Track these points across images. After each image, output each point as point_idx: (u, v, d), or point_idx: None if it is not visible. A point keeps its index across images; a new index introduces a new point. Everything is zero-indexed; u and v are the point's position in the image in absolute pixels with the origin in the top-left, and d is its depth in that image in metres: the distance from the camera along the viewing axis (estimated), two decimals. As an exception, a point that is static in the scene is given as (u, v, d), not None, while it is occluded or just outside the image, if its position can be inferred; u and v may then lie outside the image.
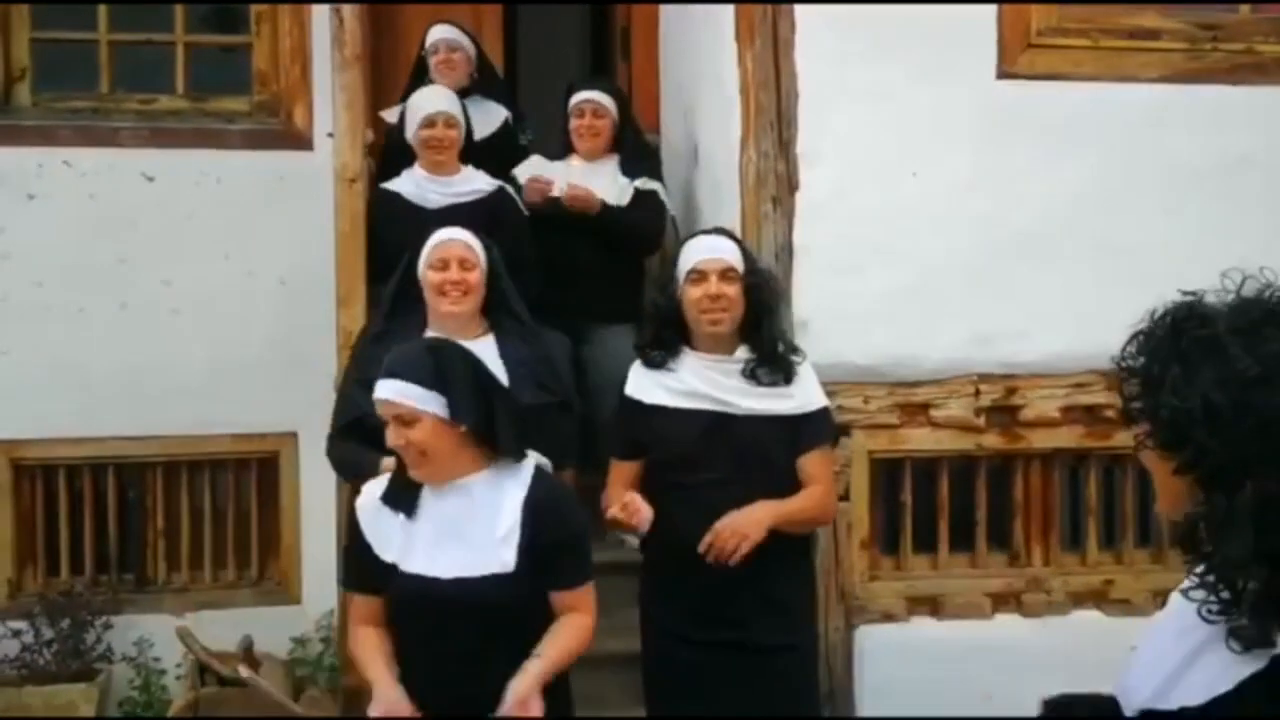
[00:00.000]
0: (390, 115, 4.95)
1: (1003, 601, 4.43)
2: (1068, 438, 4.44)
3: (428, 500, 2.78)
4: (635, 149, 4.89)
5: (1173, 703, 1.67)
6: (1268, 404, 1.61)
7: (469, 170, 4.50)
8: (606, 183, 4.74)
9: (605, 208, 4.69)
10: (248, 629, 5.00)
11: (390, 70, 5.29)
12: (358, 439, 3.43)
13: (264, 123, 5.40)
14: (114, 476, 5.34)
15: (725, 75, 4.39)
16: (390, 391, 2.70)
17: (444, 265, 3.51)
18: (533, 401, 3.44)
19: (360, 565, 2.82)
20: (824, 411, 3.42)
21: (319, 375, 5.17)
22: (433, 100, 4.51)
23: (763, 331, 3.37)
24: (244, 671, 4.80)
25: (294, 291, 5.27)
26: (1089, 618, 4.45)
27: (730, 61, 4.34)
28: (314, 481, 5.19)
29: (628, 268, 4.78)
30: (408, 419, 2.69)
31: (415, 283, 3.57)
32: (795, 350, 3.40)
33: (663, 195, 4.82)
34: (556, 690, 2.80)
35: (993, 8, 4.32)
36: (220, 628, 5.09)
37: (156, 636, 5.14)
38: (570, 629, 2.79)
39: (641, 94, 5.34)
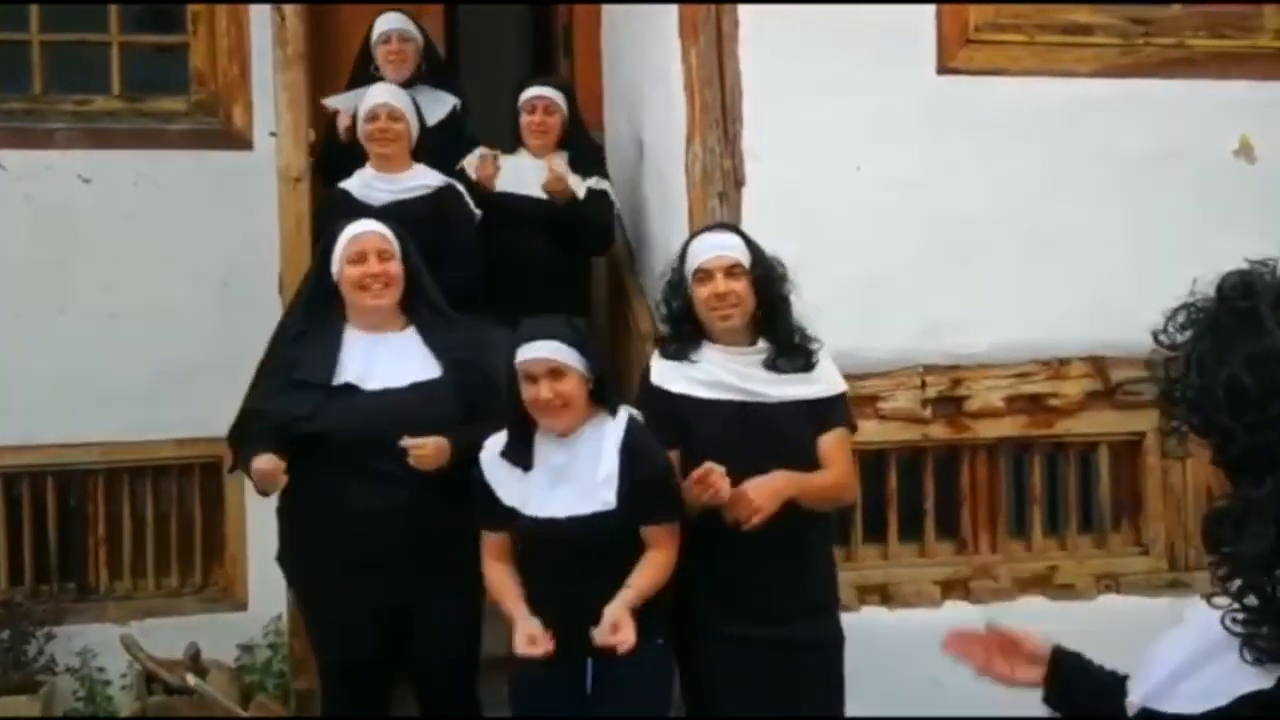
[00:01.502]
0: (334, 102, 4.91)
1: (951, 589, 4.49)
2: (1011, 427, 4.51)
3: (540, 452, 3.21)
4: (584, 146, 4.90)
5: (1168, 706, 1.56)
6: None
7: (419, 168, 4.48)
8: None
9: (573, 201, 4.69)
10: (193, 636, 4.93)
11: (331, 68, 5.24)
12: (272, 440, 3.40)
13: (203, 122, 5.33)
14: (53, 484, 5.25)
15: (670, 72, 4.40)
16: (549, 350, 3.14)
17: (361, 258, 3.48)
18: (472, 384, 3.46)
19: (488, 508, 3.24)
20: (844, 395, 3.45)
21: None
22: (376, 94, 4.49)
23: (778, 323, 3.37)
24: (191, 680, 4.75)
25: (237, 293, 5.19)
26: (1035, 603, 4.51)
27: (674, 58, 4.36)
28: (259, 486, 5.25)
29: (579, 265, 4.79)
30: (561, 372, 3.13)
31: (329, 279, 3.53)
32: (811, 338, 3.41)
33: (612, 195, 4.84)
34: (649, 617, 3.14)
35: (931, 6, 4.38)
36: (165, 636, 5.00)
37: (100, 646, 5.06)
38: (655, 563, 3.19)
39: (584, 91, 5.33)
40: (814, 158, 4.28)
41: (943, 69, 4.38)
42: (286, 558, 3.66)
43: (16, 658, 4.91)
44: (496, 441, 3.27)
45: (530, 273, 4.62)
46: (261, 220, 5.07)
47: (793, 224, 4.23)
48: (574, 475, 3.19)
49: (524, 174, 4.72)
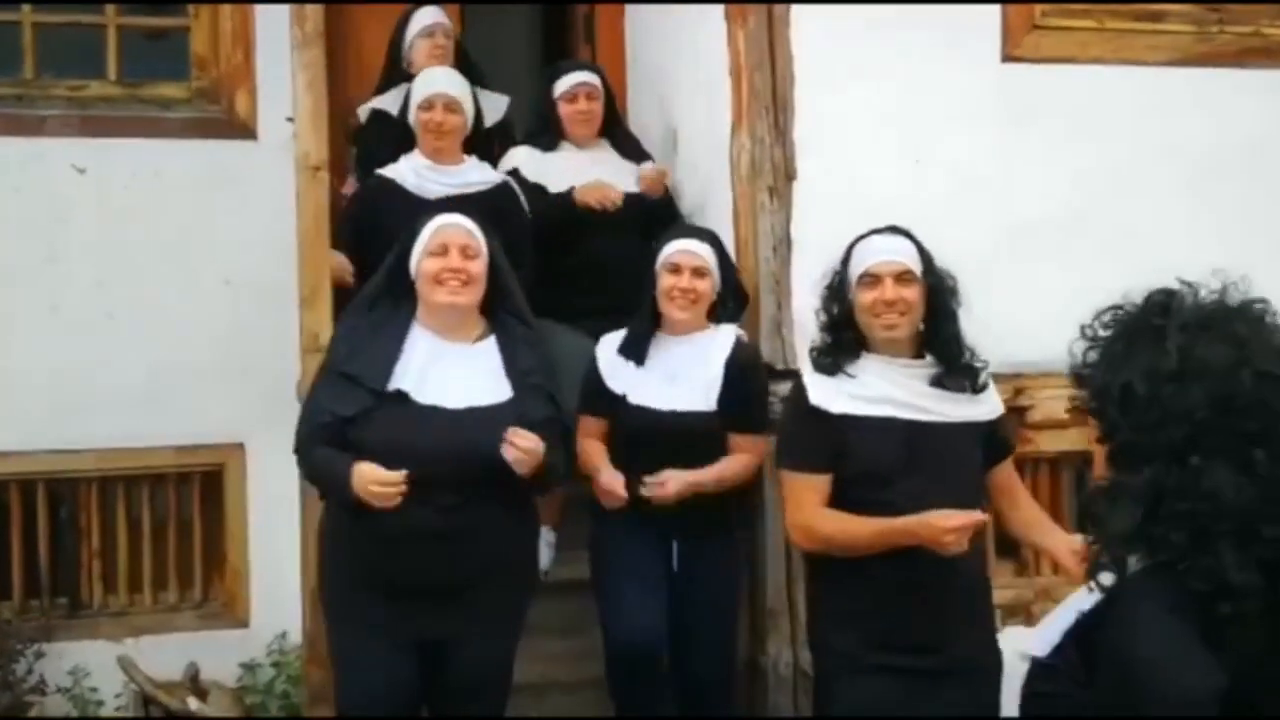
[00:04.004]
0: (380, 104, 4.65)
1: (1012, 613, 4.22)
2: (1076, 439, 4.23)
3: (655, 351, 3.65)
4: (623, 133, 4.66)
5: (1038, 651, 1.84)
6: (1173, 401, 1.68)
7: (472, 160, 4.21)
8: (613, 170, 4.46)
9: (631, 197, 4.39)
10: (192, 655, 4.76)
11: (338, 60, 4.96)
12: (324, 442, 3.16)
13: (204, 110, 5.09)
14: (44, 493, 4.99)
15: (711, 57, 4.17)
16: (700, 249, 3.63)
17: (443, 251, 3.20)
18: (544, 416, 3.20)
19: (595, 395, 3.68)
20: (1005, 418, 3.22)
21: (269, 382, 4.91)
22: (433, 81, 4.22)
23: (945, 337, 3.11)
24: (192, 703, 4.54)
25: (240, 292, 4.98)
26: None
27: (717, 43, 4.12)
28: (262, 495, 5.02)
29: (647, 260, 4.49)
30: (703, 273, 3.61)
31: (405, 276, 3.25)
32: (976, 356, 3.16)
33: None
34: (727, 513, 3.72)
35: (997, -9, 4.17)
36: (163, 654, 4.82)
37: (93, 665, 4.82)
38: (738, 462, 3.66)
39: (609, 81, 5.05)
40: (870, 150, 4.05)
41: (1007, 57, 4.17)
42: (321, 579, 3.39)
43: (4, 678, 4.67)
44: (613, 337, 3.71)
45: (605, 274, 4.30)
46: (266, 214, 4.90)
47: (846, 221, 3.92)
48: (684, 375, 3.63)
49: (579, 169, 4.42)
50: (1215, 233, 4.20)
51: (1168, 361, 1.69)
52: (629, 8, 5.36)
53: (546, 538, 4.20)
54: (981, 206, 4.12)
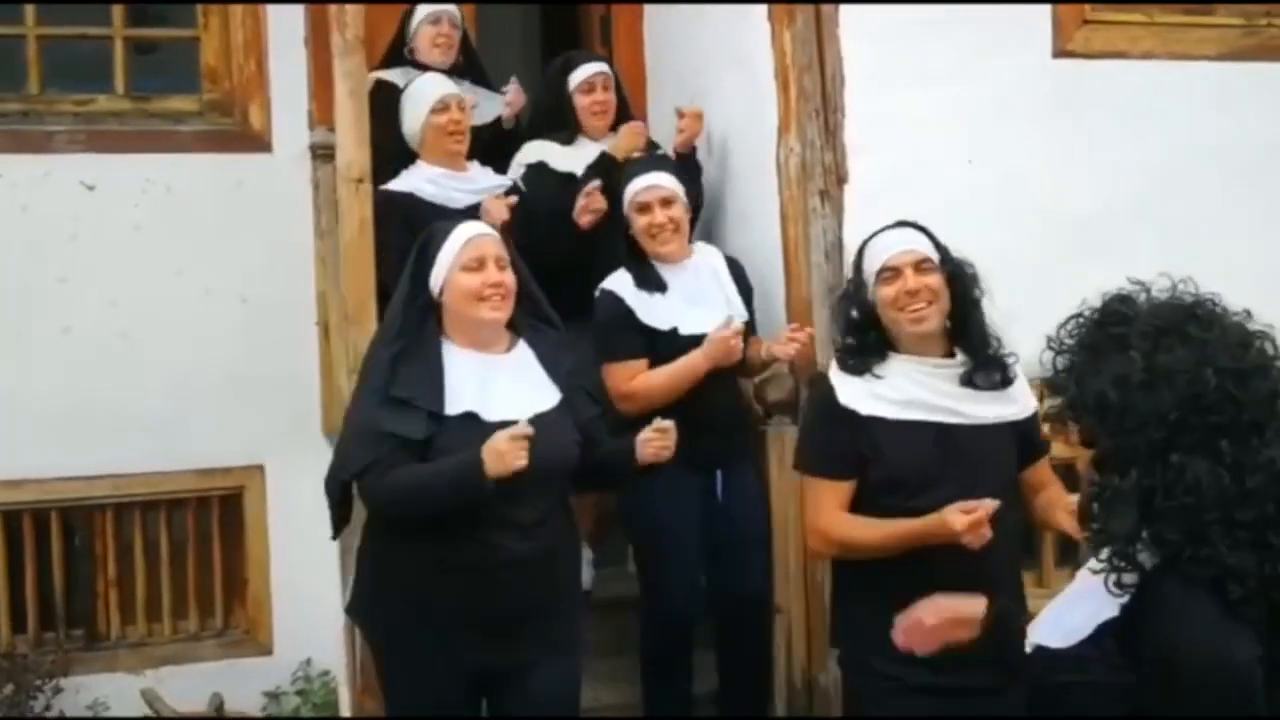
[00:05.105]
0: (380, 74, 4.53)
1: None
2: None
3: (668, 278, 3.78)
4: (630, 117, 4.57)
5: (1052, 642, 1.94)
6: (1147, 406, 1.79)
7: (476, 165, 4.10)
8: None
9: None
10: (215, 685, 4.67)
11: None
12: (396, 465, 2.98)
13: (216, 123, 4.95)
14: (58, 521, 4.83)
15: (754, 58, 4.06)
16: (661, 179, 3.76)
17: (479, 265, 3.01)
18: (592, 414, 3.12)
19: (627, 336, 3.74)
20: (1037, 414, 3.07)
21: (289, 402, 4.81)
22: (439, 84, 4.10)
23: (971, 328, 2.99)
24: (219, 735, 4.38)
25: (258, 310, 4.85)
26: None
27: (761, 44, 4.00)
28: (283, 518, 4.90)
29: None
30: (670, 200, 3.78)
31: (424, 290, 3.08)
32: (1007, 349, 3.03)
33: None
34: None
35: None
36: (184, 685, 4.71)
37: (113, 699, 4.70)
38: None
39: (628, 82, 4.93)
40: (922, 151, 3.95)
41: (1059, 52, 4.08)
42: (366, 608, 3.22)
43: (22, 714, 4.51)
44: (621, 277, 3.78)
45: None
46: (282, 229, 4.82)
47: (899, 223, 3.89)
48: (703, 296, 3.79)
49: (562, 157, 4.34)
50: (1268, 227, 4.15)
51: (1134, 370, 1.80)
52: (649, 9, 5.25)
53: (585, 555, 4.09)
54: (1035, 205, 4.04)
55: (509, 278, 3.06)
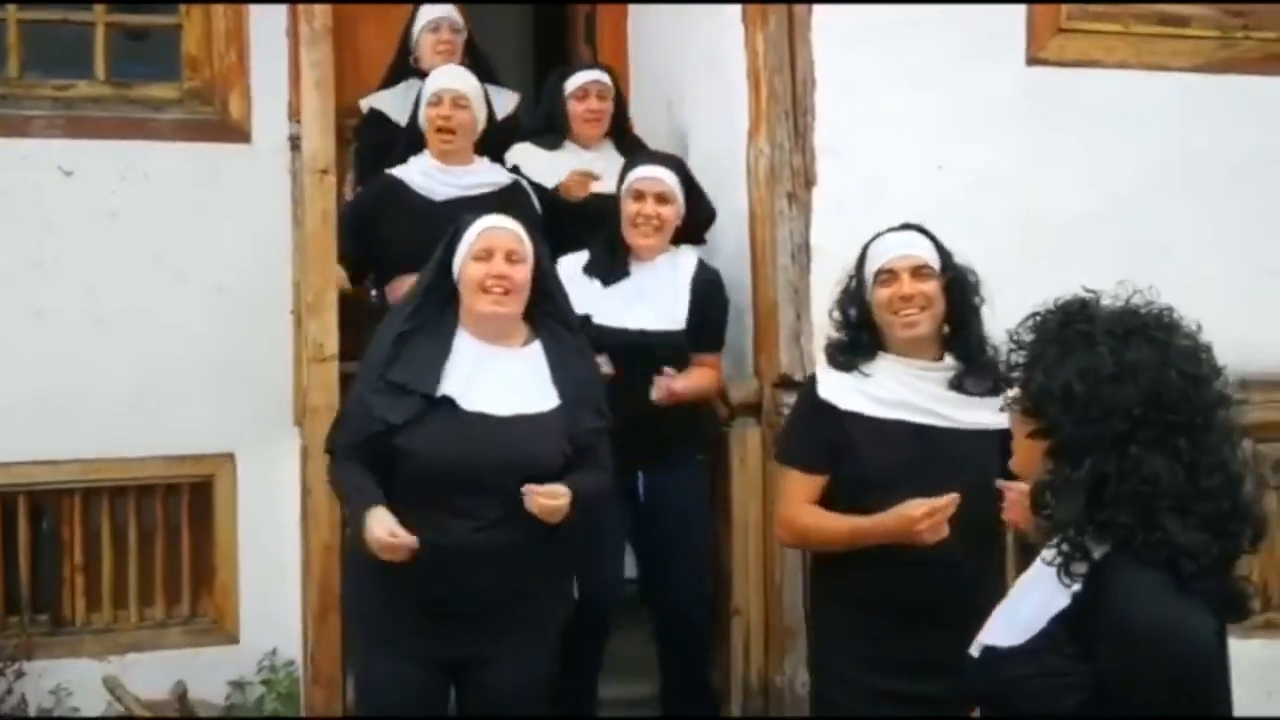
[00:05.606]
0: (377, 103, 4.52)
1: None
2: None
3: (619, 274, 3.71)
4: (630, 136, 4.54)
5: (1002, 641, 1.95)
6: (1113, 398, 1.85)
7: (483, 162, 4.09)
8: (614, 172, 4.32)
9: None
10: (180, 673, 4.63)
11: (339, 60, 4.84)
12: (360, 459, 3.03)
13: (196, 112, 4.92)
14: (25, 505, 4.80)
15: (727, 60, 4.05)
16: (664, 175, 3.73)
17: (487, 255, 3.04)
18: (593, 427, 3.09)
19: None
20: None
21: (261, 391, 4.81)
22: (441, 77, 4.09)
23: (969, 335, 3.01)
24: (181, 725, 4.36)
25: (232, 299, 4.83)
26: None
27: (734, 45, 4.00)
28: (253, 507, 4.88)
29: None
30: (667, 198, 3.73)
31: (447, 278, 3.11)
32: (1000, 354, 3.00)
33: None
34: (689, 438, 3.82)
35: (1021, -3, 4.07)
36: (149, 672, 4.69)
37: (76, 684, 4.66)
38: (703, 375, 3.77)
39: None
40: (892, 155, 3.94)
41: (1033, 60, 4.07)
42: (345, 592, 3.26)
43: (-16, 698, 4.50)
44: (574, 258, 3.74)
45: None
46: (259, 219, 4.81)
47: (867, 227, 3.82)
48: (649, 296, 3.71)
49: (580, 167, 4.30)
50: (1238, 239, 4.14)
51: (1103, 363, 1.87)
52: (632, 8, 5.24)
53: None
54: (1005, 211, 4.02)
55: (518, 272, 3.06)
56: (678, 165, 3.85)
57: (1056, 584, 1.88)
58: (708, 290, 3.81)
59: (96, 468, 4.82)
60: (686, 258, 3.84)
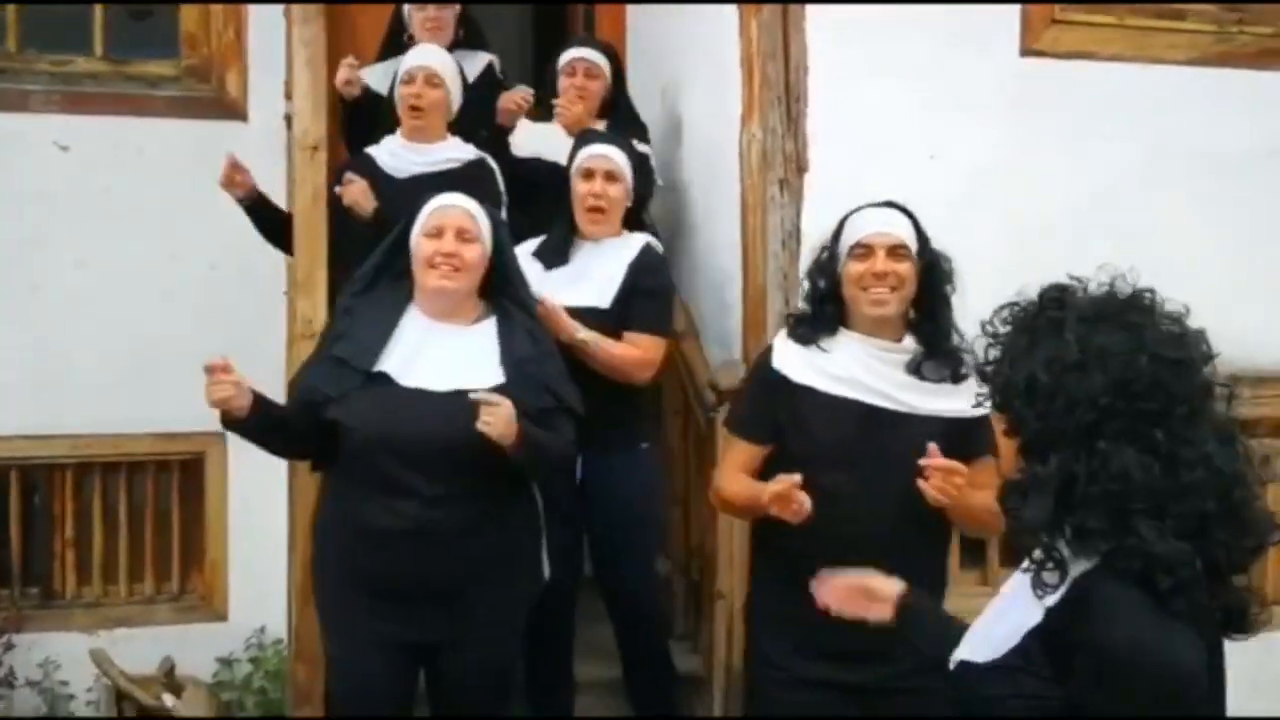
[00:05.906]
0: (367, 77, 4.50)
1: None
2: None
3: (576, 254, 3.65)
4: (626, 116, 4.48)
5: (979, 656, 1.88)
6: (1078, 388, 1.75)
7: (453, 140, 4.07)
8: None
9: None
10: (169, 649, 4.62)
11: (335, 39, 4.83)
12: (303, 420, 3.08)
13: (192, 89, 4.98)
14: (17, 479, 4.85)
15: (722, 46, 4.03)
16: (612, 153, 3.65)
17: (438, 233, 3.03)
18: (541, 406, 3.04)
19: None
20: (988, 419, 2.86)
21: (254, 369, 4.67)
22: (414, 55, 4.07)
23: (937, 320, 2.94)
24: (167, 699, 4.38)
25: (225, 276, 4.87)
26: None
27: (729, 31, 3.98)
28: (242, 486, 4.90)
29: None
30: (615, 177, 3.64)
31: (404, 254, 3.11)
32: (966, 347, 2.92)
33: (652, 162, 4.38)
34: (635, 423, 3.75)
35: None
36: (137, 648, 4.70)
37: (64, 657, 4.70)
38: (620, 348, 3.58)
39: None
40: (884, 143, 3.90)
41: (1026, 51, 4.04)
42: (315, 575, 3.25)
43: (-27, 669, 4.53)
44: (530, 244, 3.68)
45: None
46: None
47: (858, 215, 3.88)
48: (589, 276, 3.63)
49: (556, 142, 4.28)
50: (1231, 232, 4.13)
51: (1069, 351, 1.77)
52: (631, 7, 5.24)
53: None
54: (996, 202, 4.00)
55: (468, 250, 3.05)
56: (624, 144, 3.78)
57: (1032, 597, 1.80)
58: (643, 269, 3.66)
59: (88, 443, 4.86)
60: (635, 241, 3.73)
